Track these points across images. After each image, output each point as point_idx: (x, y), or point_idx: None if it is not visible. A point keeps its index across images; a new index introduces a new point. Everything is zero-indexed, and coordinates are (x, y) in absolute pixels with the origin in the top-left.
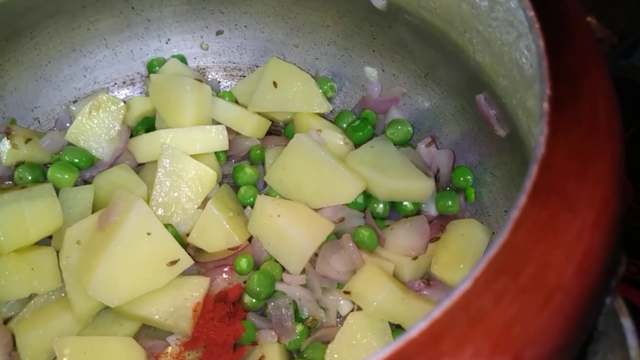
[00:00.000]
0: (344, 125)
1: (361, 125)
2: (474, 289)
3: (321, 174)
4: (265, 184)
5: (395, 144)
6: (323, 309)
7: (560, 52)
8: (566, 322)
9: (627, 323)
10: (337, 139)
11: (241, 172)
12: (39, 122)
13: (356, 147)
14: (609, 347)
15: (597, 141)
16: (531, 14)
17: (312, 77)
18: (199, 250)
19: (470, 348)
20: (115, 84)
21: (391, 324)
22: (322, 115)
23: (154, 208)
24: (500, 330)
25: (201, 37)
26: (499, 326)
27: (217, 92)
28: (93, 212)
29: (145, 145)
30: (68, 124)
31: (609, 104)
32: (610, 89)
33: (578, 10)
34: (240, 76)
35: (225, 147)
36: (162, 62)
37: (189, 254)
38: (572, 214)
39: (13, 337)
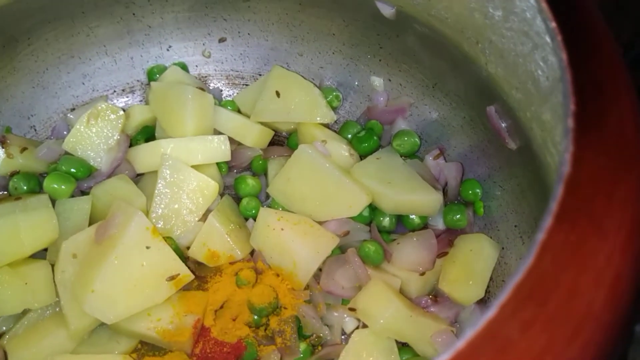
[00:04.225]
0: (349, 136)
1: (367, 136)
2: (500, 318)
3: (326, 186)
4: (267, 196)
5: (401, 156)
6: (327, 326)
7: (584, 65)
8: (597, 353)
9: None
10: (342, 150)
11: (243, 183)
12: (36, 130)
13: (361, 159)
14: None
15: (625, 158)
16: (553, 25)
17: (317, 86)
18: (199, 264)
19: None
20: (115, 91)
21: (398, 342)
22: (327, 126)
23: (154, 220)
24: None
25: (203, 44)
26: (528, 358)
27: (219, 101)
28: (90, 224)
29: (145, 155)
30: (65, 133)
31: (636, 119)
32: (635, 103)
33: (602, 22)
34: (243, 85)
35: (228, 157)
36: (162, 69)
37: (189, 267)
38: (601, 237)
39: (5, 354)
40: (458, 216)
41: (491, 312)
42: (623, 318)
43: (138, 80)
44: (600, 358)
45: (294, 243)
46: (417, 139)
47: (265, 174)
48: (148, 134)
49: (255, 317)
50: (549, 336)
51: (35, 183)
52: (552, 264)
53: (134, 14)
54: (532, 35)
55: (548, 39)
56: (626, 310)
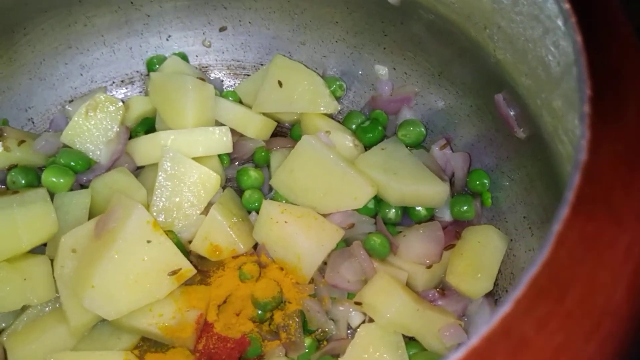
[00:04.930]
0: (353, 126)
1: (371, 127)
2: (515, 313)
3: (330, 178)
4: (270, 188)
5: (407, 146)
6: (333, 320)
7: (600, 48)
8: (617, 349)
9: None
10: (346, 141)
11: (245, 175)
12: (33, 122)
13: (366, 149)
14: None
15: None
16: (566, 6)
17: (320, 75)
18: (202, 259)
19: None
20: (114, 82)
21: (405, 336)
22: (330, 116)
23: (155, 214)
24: None
25: (203, 33)
26: (544, 356)
27: (220, 92)
28: (90, 218)
29: (145, 148)
30: (64, 125)
31: None
32: None
33: (617, 4)
34: (245, 75)
35: (229, 149)
36: (162, 59)
37: (191, 262)
38: (619, 228)
39: (4, 351)
40: (465, 207)
41: (506, 307)
42: None
43: (137, 71)
44: (619, 355)
45: (298, 236)
46: (422, 129)
47: (268, 166)
48: (148, 125)
49: (259, 311)
50: (566, 333)
51: (34, 176)
52: (568, 256)
53: (132, 3)
54: (543, 19)
55: (560, 23)
56: None
